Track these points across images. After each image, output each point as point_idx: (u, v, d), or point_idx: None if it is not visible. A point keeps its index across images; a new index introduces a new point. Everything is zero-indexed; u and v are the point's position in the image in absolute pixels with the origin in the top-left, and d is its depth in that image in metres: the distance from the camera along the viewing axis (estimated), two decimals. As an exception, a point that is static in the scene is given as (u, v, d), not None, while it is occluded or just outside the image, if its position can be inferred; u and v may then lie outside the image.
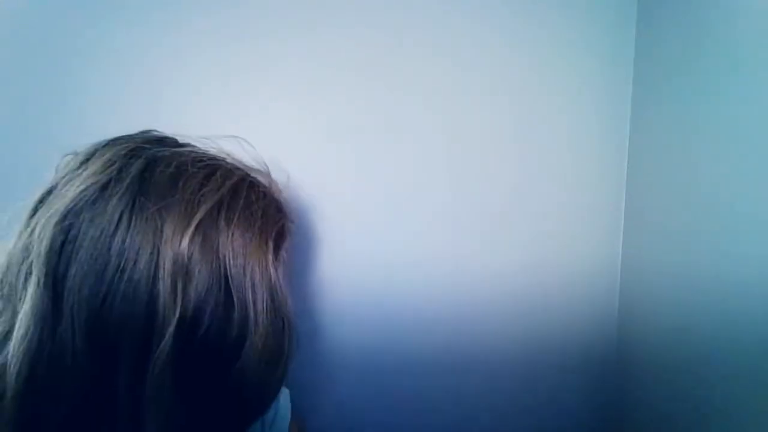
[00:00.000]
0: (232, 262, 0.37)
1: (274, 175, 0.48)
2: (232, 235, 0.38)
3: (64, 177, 0.37)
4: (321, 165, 0.66)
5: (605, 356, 0.72)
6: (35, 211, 0.36)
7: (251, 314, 0.37)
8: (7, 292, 0.35)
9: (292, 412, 0.53)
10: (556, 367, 0.72)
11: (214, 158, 0.42)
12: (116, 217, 0.35)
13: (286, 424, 0.52)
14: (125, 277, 0.34)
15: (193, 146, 0.42)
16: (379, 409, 0.68)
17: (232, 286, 0.37)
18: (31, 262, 0.34)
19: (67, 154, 0.39)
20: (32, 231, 0.35)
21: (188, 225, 0.36)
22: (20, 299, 0.34)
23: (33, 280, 0.33)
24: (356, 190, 0.67)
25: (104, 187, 0.35)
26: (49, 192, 0.37)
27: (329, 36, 0.65)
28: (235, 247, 0.38)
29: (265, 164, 0.48)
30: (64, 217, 0.34)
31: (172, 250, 0.35)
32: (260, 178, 0.45)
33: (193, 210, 0.37)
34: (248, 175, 0.44)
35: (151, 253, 0.34)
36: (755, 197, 0.51)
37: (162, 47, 0.62)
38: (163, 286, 0.34)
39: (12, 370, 0.32)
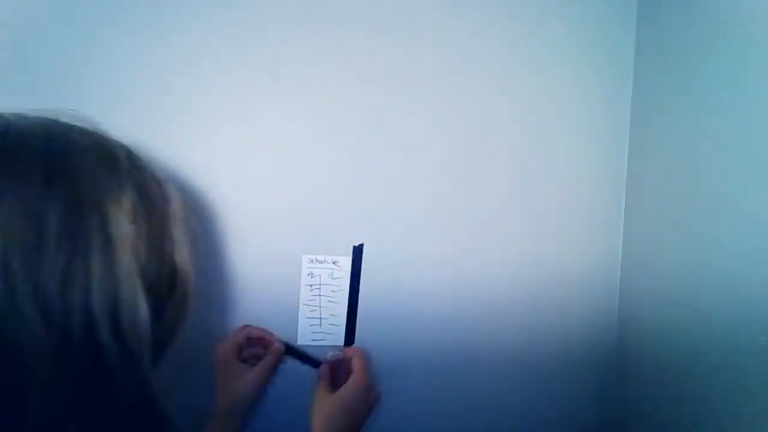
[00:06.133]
0: None
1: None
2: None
3: None
4: (317, 162, 0.66)
5: (605, 356, 0.72)
6: None
7: None
8: None
9: None
10: (555, 366, 0.72)
11: None
12: None
13: None
14: None
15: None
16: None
17: None
18: None
19: None
20: None
21: None
22: None
23: None
24: (358, 191, 0.67)
25: None
26: None
27: (329, 38, 0.65)
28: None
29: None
30: None
31: None
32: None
33: None
34: None
35: None
36: (755, 197, 0.51)
37: (163, 51, 0.62)
38: None
39: None
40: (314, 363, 0.63)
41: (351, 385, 0.58)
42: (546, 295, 0.71)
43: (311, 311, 0.66)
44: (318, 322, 0.66)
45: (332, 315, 0.66)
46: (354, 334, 0.66)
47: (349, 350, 0.63)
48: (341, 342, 0.66)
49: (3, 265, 0.29)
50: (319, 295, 0.66)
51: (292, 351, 0.64)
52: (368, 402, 0.59)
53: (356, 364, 0.60)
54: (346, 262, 0.66)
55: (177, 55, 0.62)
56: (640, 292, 0.68)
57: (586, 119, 0.70)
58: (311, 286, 0.65)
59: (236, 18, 0.63)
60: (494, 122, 0.69)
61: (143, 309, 0.34)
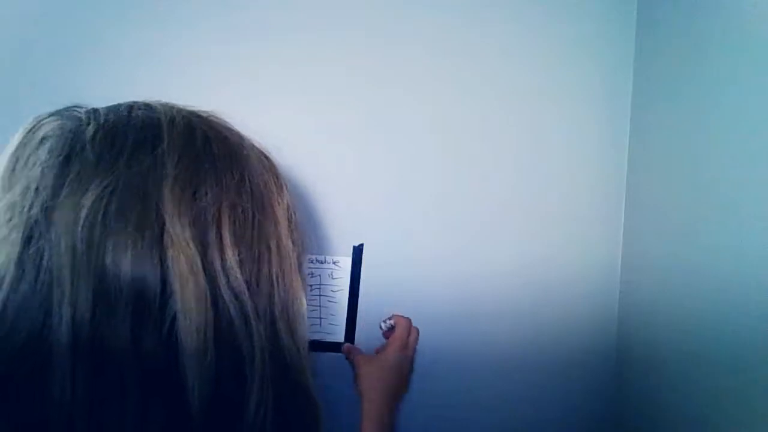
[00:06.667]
0: None
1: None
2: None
3: None
4: (317, 163, 0.66)
5: (605, 356, 0.72)
6: None
7: None
8: None
9: None
10: (555, 366, 0.71)
11: None
12: None
13: None
14: None
15: None
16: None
17: None
18: None
19: None
20: None
21: None
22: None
23: None
24: (358, 191, 0.67)
25: None
26: None
27: (330, 38, 0.65)
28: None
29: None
30: None
31: None
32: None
33: None
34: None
35: None
36: (755, 197, 0.51)
37: (163, 51, 0.62)
38: None
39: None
40: (335, 347, 0.66)
41: (389, 345, 0.63)
42: (546, 295, 0.71)
43: (311, 311, 0.66)
44: (318, 322, 0.66)
45: (332, 315, 0.66)
46: (354, 334, 0.66)
47: (398, 317, 0.65)
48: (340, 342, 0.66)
49: (223, 267, 0.30)
50: (319, 295, 0.66)
51: (313, 347, 0.65)
52: (406, 358, 0.64)
53: (397, 328, 0.64)
54: (346, 262, 0.66)
55: (177, 54, 0.62)
56: (640, 292, 0.68)
57: (586, 119, 0.70)
58: (311, 286, 0.65)
59: (236, 18, 0.63)
60: (494, 122, 0.69)
61: (305, 304, 0.35)
